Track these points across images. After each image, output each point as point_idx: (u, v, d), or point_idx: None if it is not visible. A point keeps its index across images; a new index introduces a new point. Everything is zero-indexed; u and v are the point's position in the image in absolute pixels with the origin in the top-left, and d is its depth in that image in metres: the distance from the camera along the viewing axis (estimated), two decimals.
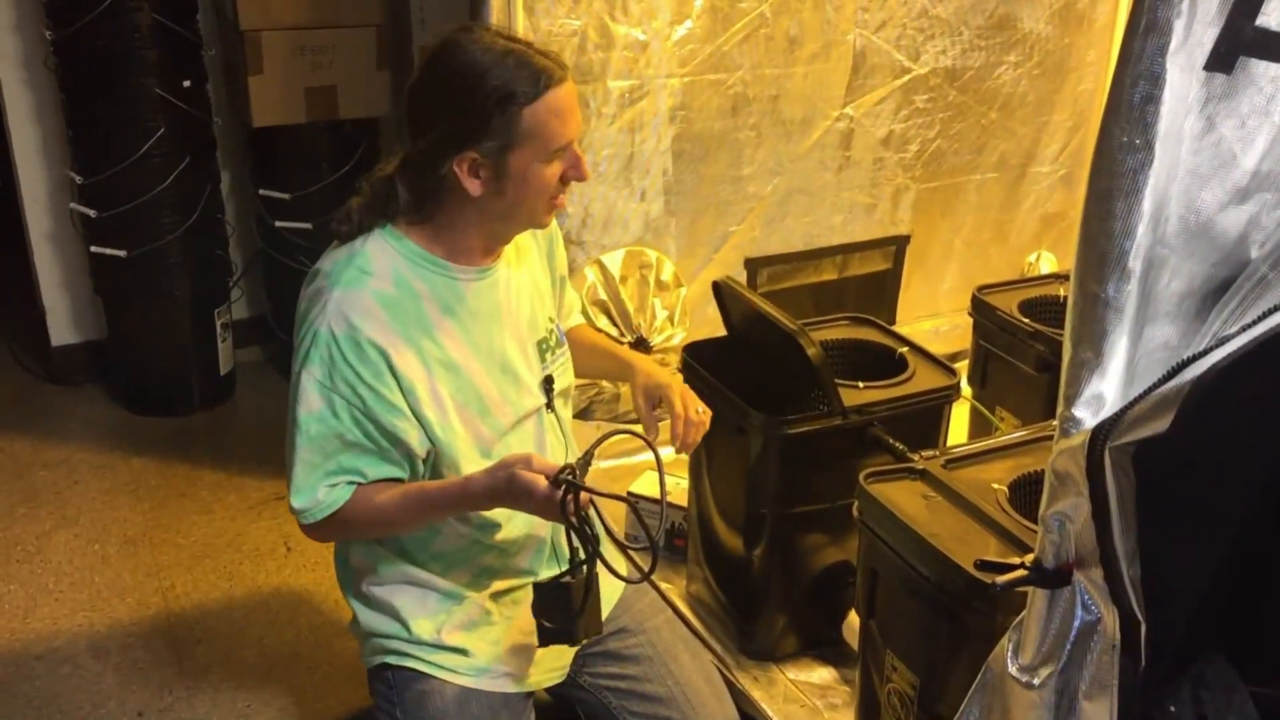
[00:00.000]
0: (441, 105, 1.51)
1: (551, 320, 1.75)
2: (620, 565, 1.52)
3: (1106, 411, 1.03)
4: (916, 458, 1.70)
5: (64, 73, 2.86)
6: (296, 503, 1.56)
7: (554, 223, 1.80)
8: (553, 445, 1.75)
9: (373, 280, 1.53)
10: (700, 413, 1.77)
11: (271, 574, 2.45)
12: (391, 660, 1.74)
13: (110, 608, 2.34)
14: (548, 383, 1.72)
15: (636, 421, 1.79)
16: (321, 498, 1.55)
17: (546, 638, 1.55)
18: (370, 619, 1.79)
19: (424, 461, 1.61)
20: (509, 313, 1.66)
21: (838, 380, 1.87)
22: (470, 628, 1.72)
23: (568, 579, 1.51)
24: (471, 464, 1.63)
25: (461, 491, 1.54)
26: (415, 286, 1.55)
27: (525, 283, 1.70)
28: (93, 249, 2.96)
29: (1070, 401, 1.05)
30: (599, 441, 1.50)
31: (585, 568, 1.51)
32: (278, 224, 3.07)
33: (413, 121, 1.54)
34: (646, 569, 1.46)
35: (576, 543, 1.49)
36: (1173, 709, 1.24)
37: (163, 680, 2.14)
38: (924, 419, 1.94)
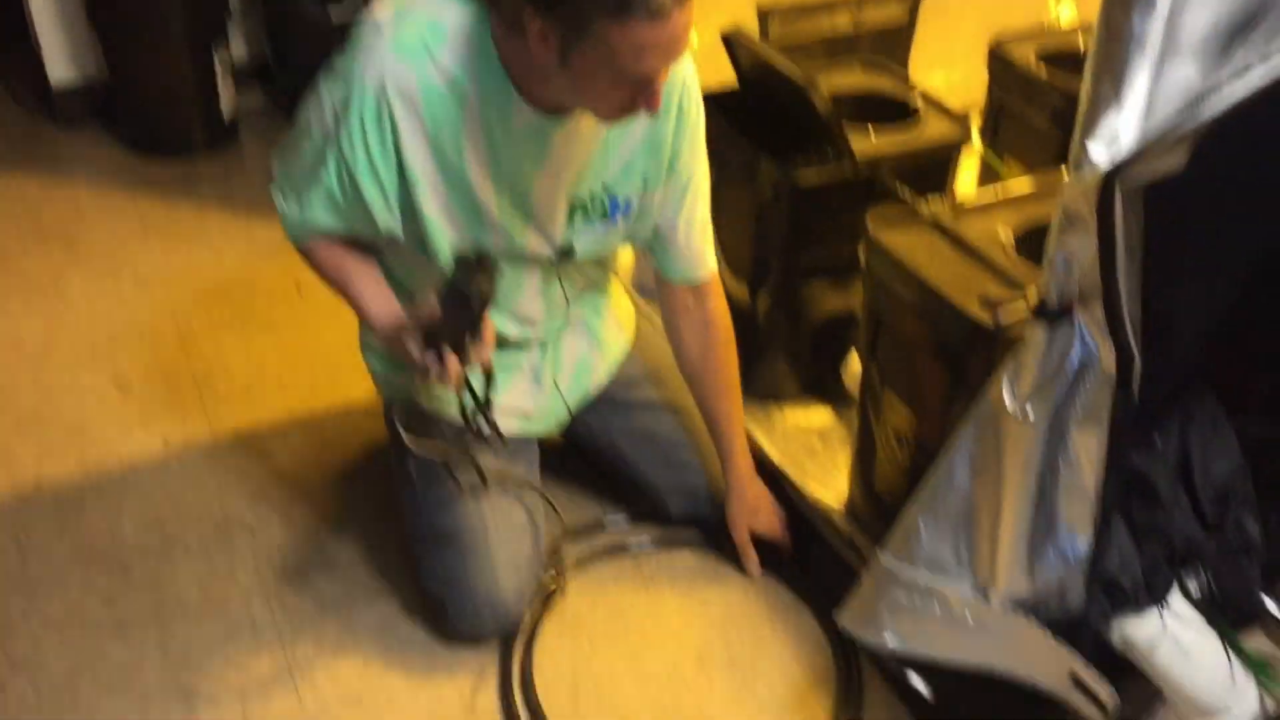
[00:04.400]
0: None
1: (607, 189, 1.63)
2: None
3: (1121, 148, 1.04)
4: (924, 206, 1.71)
5: None
6: (276, 198, 1.62)
7: (691, 112, 1.63)
8: (550, 298, 1.74)
9: (430, 65, 1.43)
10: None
11: (285, 315, 2.49)
12: (402, 398, 1.81)
13: (129, 343, 2.40)
14: (566, 251, 1.66)
15: None
16: (291, 215, 1.61)
17: None
18: (374, 362, 1.85)
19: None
20: (553, 161, 1.55)
21: (847, 124, 1.86)
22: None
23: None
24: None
25: (374, 314, 1.63)
26: (467, 89, 1.45)
27: (596, 145, 1.57)
28: None
29: (1086, 137, 1.05)
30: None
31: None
32: None
33: None
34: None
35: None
36: (1159, 441, 1.31)
37: (185, 411, 2.22)
38: (933, 169, 1.95)
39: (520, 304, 1.71)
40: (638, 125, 1.58)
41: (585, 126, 1.53)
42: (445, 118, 1.46)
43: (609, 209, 1.64)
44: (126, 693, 1.69)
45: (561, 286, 1.75)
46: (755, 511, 1.87)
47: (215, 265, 2.65)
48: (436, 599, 1.75)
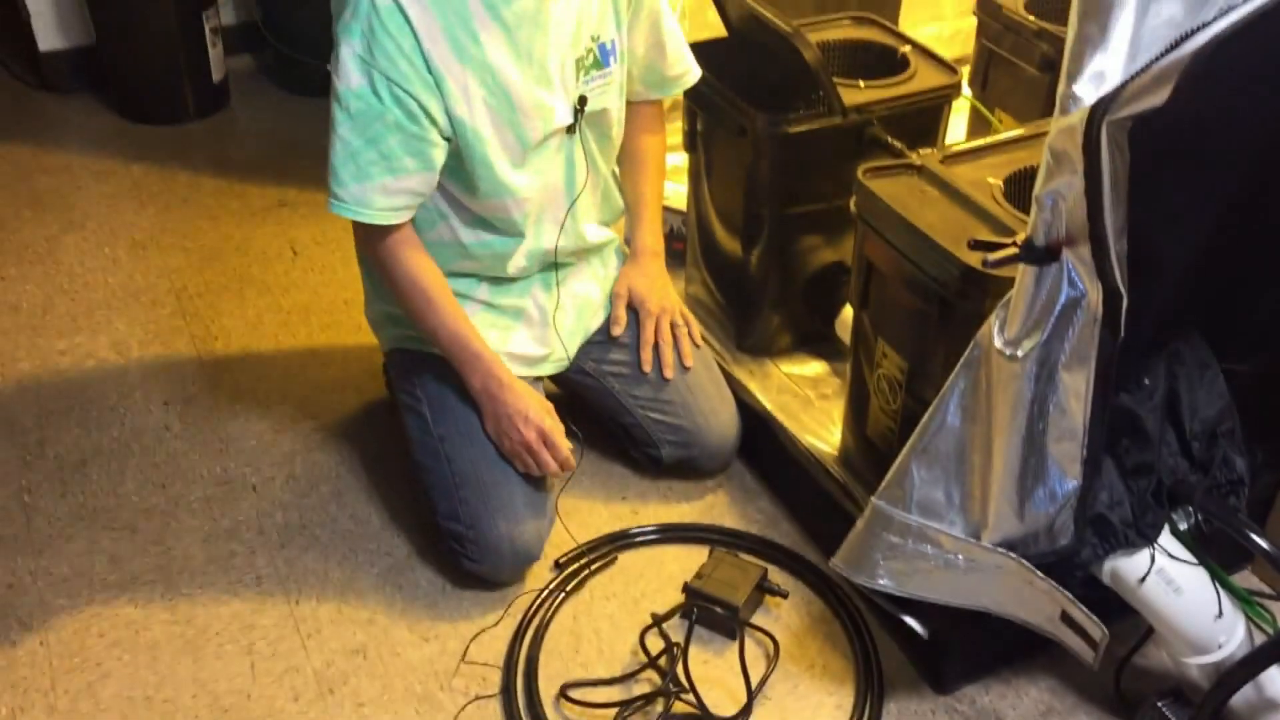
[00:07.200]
0: None
1: (595, 39, 1.72)
2: None
3: (1107, 88, 1.05)
4: (914, 155, 1.72)
5: None
6: (333, 186, 1.59)
7: None
8: (579, 170, 1.78)
9: None
10: (679, 325, 1.92)
11: (280, 276, 2.50)
12: (409, 346, 1.83)
13: (125, 307, 2.41)
14: (581, 102, 1.72)
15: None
16: (358, 195, 1.58)
17: None
18: (381, 310, 1.87)
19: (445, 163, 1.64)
20: (556, 23, 1.64)
21: (837, 80, 1.87)
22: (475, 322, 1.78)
23: None
24: (505, 173, 1.66)
25: (473, 369, 1.72)
26: None
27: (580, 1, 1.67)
28: None
29: (1072, 78, 1.07)
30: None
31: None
32: None
33: None
34: None
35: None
36: (1146, 381, 1.32)
37: (184, 374, 2.24)
38: (924, 119, 1.95)
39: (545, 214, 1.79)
40: None
41: None
42: (452, 8, 1.52)
43: (601, 57, 1.73)
44: (134, 648, 1.72)
45: (583, 145, 1.79)
46: (647, 280, 1.96)
47: (210, 229, 2.66)
48: (456, 539, 1.77)
